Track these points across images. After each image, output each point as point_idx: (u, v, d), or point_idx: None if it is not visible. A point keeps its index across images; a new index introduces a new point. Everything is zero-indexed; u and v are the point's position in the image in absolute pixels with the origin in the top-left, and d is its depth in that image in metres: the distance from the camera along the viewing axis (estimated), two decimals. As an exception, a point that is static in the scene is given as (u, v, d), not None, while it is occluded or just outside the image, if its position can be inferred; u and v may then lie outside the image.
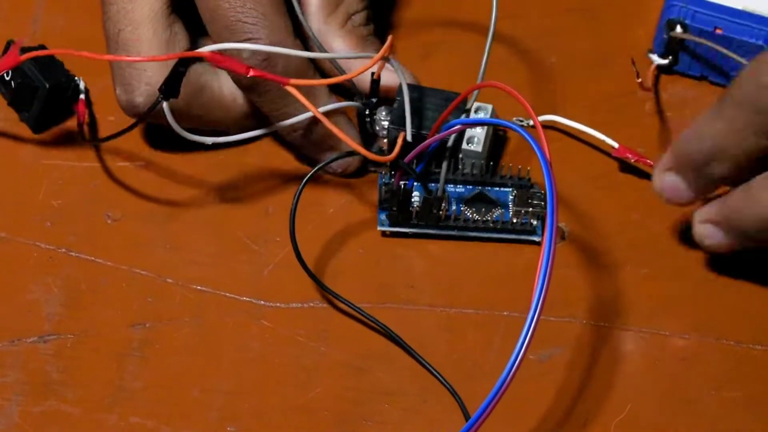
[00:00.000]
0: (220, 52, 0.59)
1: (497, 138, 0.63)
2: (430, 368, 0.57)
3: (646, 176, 0.63)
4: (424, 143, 0.59)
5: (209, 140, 0.61)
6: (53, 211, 0.61)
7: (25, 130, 0.64)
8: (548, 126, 0.64)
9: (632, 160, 0.63)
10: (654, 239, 0.62)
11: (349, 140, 0.59)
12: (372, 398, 0.56)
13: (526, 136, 0.56)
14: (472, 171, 0.61)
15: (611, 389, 0.56)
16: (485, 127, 0.61)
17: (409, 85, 0.62)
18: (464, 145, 0.61)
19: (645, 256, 0.61)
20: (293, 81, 0.58)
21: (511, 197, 0.61)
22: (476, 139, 0.61)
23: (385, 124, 0.62)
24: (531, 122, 0.64)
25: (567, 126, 0.64)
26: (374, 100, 0.62)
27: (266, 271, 0.59)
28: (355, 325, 0.59)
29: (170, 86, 0.58)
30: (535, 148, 0.55)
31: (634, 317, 0.59)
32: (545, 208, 0.62)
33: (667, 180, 0.60)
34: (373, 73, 0.61)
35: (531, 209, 0.60)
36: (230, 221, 0.61)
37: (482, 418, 0.49)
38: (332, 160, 0.62)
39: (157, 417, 0.55)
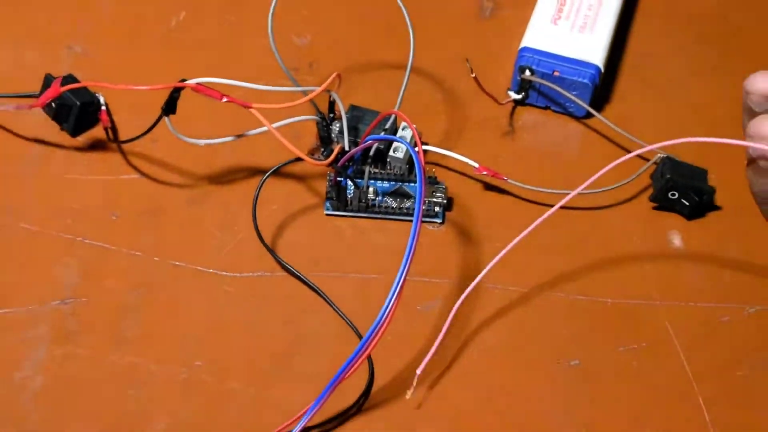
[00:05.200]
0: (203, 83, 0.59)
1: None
2: (344, 317, 0.60)
3: (500, 189, 0.66)
4: (350, 152, 0.62)
5: (202, 142, 0.62)
6: (73, 211, 0.63)
7: (60, 147, 0.66)
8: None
9: (488, 175, 0.64)
10: (506, 222, 0.64)
11: (296, 150, 0.60)
12: (300, 339, 0.60)
13: (409, 147, 0.59)
14: (395, 171, 0.64)
15: (470, 329, 0.60)
16: (408, 142, 0.63)
17: (352, 106, 0.65)
18: (391, 153, 0.64)
19: (500, 234, 0.63)
20: (255, 105, 0.59)
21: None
22: (400, 149, 0.64)
23: (339, 134, 0.65)
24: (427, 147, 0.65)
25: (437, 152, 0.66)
26: (331, 115, 0.65)
27: (225, 251, 0.63)
28: (292, 288, 0.61)
29: (169, 106, 0.60)
30: (414, 156, 0.57)
31: (489, 278, 0.61)
32: (445, 199, 0.64)
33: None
34: (330, 94, 0.64)
35: (434, 199, 0.63)
36: (201, 216, 0.64)
37: (368, 345, 0.54)
38: (279, 168, 0.63)
39: (146, 356, 0.58)
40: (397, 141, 0.62)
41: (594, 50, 0.68)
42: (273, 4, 0.64)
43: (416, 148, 0.58)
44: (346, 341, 0.59)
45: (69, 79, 0.65)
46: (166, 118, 0.60)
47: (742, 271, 0.63)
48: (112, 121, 0.65)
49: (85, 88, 0.65)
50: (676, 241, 0.64)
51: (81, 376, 0.57)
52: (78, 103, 0.64)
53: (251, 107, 0.59)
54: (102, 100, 0.65)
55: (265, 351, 0.59)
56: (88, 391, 0.57)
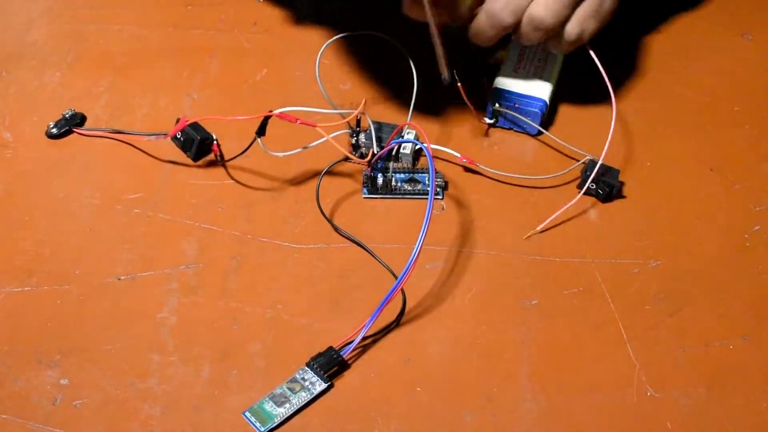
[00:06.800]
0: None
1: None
2: (382, 262, 0.60)
3: (478, 173, 0.65)
4: (380, 152, 0.63)
5: (281, 154, 0.62)
6: (191, 205, 0.63)
7: (185, 165, 0.66)
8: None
9: (467, 162, 0.64)
10: (485, 201, 0.64)
11: (347, 152, 0.61)
12: (346, 289, 0.59)
13: (424, 147, 0.61)
14: (407, 165, 0.64)
15: (464, 279, 0.60)
16: (419, 142, 0.63)
17: (374, 121, 0.64)
18: (402, 151, 0.64)
19: (480, 211, 0.63)
20: (319, 124, 0.59)
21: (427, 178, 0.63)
22: (408, 147, 0.64)
23: (364, 141, 0.64)
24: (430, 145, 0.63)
25: (441, 151, 0.65)
26: (358, 129, 0.64)
27: (294, 231, 0.62)
28: (339, 255, 0.61)
29: (261, 130, 0.60)
30: (426, 152, 0.60)
31: (479, 245, 0.61)
32: (444, 182, 0.64)
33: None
34: (358, 120, 0.64)
35: (437, 182, 0.64)
36: (278, 207, 0.64)
37: (399, 285, 0.55)
38: (333, 165, 0.63)
39: (243, 302, 0.58)
40: (411, 142, 0.64)
41: (542, 89, 0.68)
42: (317, 70, 0.65)
43: (426, 144, 0.60)
44: (376, 286, 0.59)
45: (194, 124, 0.65)
46: (258, 139, 0.61)
47: (645, 237, 0.63)
48: (219, 150, 0.65)
49: (201, 127, 0.65)
50: (593, 216, 0.64)
51: (200, 316, 0.58)
52: (198, 137, 0.65)
53: (316, 126, 0.60)
54: (215, 138, 0.65)
55: (323, 297, 0.59)
56: (205, 327, 0.57)
